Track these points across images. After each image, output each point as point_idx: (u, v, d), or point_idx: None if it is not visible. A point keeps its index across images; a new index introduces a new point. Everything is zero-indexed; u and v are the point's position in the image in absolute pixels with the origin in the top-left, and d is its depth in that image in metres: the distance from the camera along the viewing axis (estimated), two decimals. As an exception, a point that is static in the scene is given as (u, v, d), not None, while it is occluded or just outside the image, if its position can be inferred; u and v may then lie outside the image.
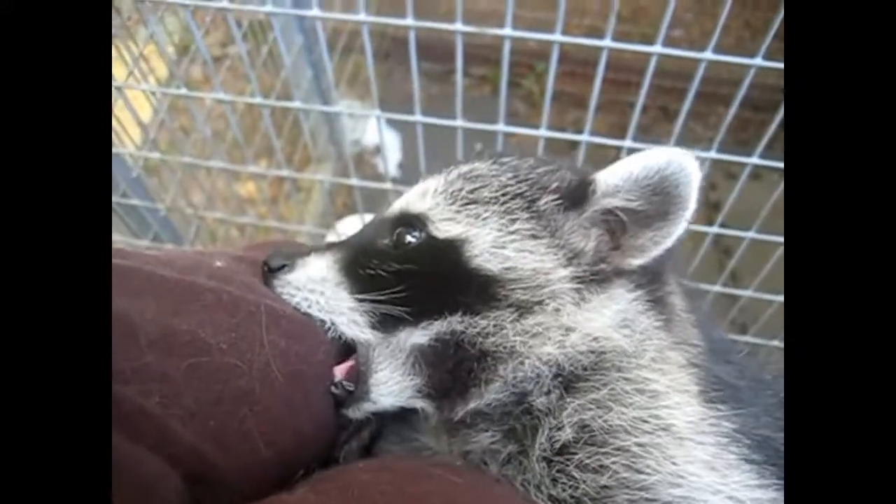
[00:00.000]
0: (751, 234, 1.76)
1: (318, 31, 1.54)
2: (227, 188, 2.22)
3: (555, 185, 0.88)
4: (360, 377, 0.83)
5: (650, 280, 0.86)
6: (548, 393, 0.79)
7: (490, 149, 1.70)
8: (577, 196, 0.85)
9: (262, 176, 2.42)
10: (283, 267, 0.88)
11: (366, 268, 0.85)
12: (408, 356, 0.83)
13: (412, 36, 1.43)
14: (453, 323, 0.81)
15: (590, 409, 0.77)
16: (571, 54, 3.50)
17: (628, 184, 0.82)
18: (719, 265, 1.97)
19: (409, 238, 0.87)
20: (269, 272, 0.87)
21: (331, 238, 0.84)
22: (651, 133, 2.97)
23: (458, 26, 1.35)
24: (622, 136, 1.59)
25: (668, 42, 1.34)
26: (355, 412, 0.85)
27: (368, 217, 0.94)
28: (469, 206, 0.87)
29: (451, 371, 0.82)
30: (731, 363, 0.88)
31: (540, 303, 0.81)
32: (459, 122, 1.61)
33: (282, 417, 0.75)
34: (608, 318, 0.82)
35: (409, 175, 2.12)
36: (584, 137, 1.61)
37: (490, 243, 0.84)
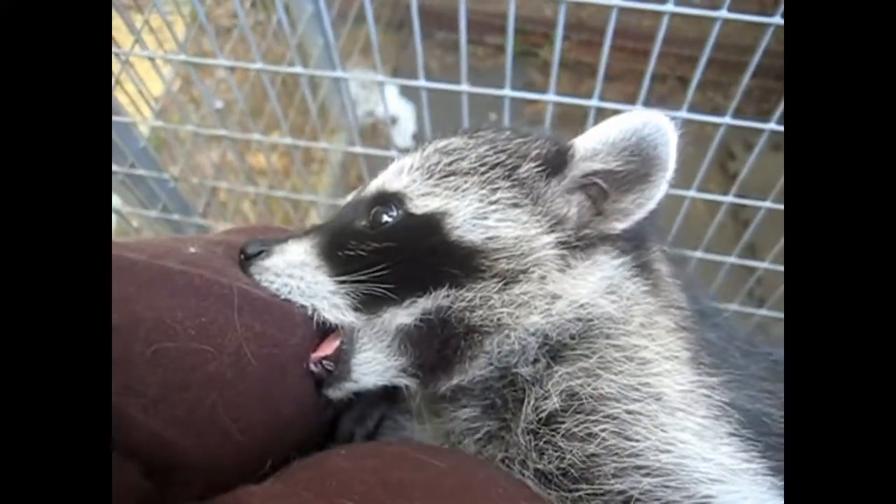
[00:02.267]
0: (767, 204, 1.73)
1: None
2: (238, 160, 2.21)
3: (534, 152, 0.87)
4: (341, 356, 0.82)
5: (635, 246, 0.86)
6: (534, 362, 0.79)
7: (504, 118, 1.68)
8: (557, 162, 0.85)
9: (273, 147, 2.40)
10: (260, 253, 0.86)
11: (344, 249, 0.84)
12: (393, 338, 0.82)
13: (414, 1, 1.40)
14: (439, 298, 0.80)
15: (578, 377, 0.76)
16: (588, 24, 3.44)
17: (606, 146, 0.82)
18: (738, 239, 1.93)
19: (385, 217, 0.85)
20: (246, 259, 0.85)
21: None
22: (669, 102, 2.92)
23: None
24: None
25: (685, 2, 1.30)
26: (336, 392, 0.83)
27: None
28: (447, 179, 0.86)
29: (438, 349, 0.81)
30: (720, 327, 0.87)
31: (525, 271, 0.81)
32: (465, 87, 1.58)
33: (256, 401, 0.73)
34: (594, 284, 0.82)
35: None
36: (594, 103, 1.58)
37: (471, 214, 0.83)
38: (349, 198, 0.97)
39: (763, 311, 2.13)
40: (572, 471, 0.72)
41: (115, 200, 2.06)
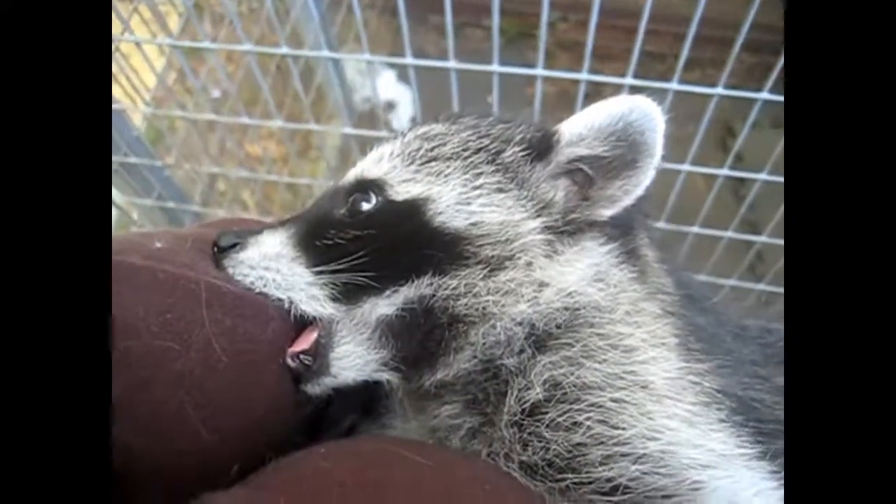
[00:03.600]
0: (762, 176, 1.71)
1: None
2: (236, 148, 2.19)
3: (519, 137, 0.86)
4: (319, 350, 0.79)
5: (622, 233, 0.84)
6: (519, 353, 0.77)
7: (504, 100, 1.66)
8: (542, 147, 0.83)
9: (271, 135, 2.38)
10: (234, 245, 0.82)
11: (322, 239, 0.81)
12: (374, 330, 0.80)
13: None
14: (421, 287, 0.78)
15: (561, 367, 0.74)
16: (585, 4, 3.41)
17: (592, 132, 0.80)
18: (741, 219, 1.93)
19: (364, 204, 0.82)
20: (220, 252, 0.81)
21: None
22: (667, 80, 2.89)
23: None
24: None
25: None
26: (314, 387, 0.80)
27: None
28: (429, 164, 0.84)
29: (421, 342, 0.79)
30: (709, 311, 0.86)
31: (511, 257, 0.79)
32: (452, 64, 1.56)
33: (228, 399, 0.70)
34: (581, 271, 0.80)
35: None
36: (583, 76, 1.57)
37: (454, 199, 0.81)
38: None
39: (761, 286, 2.13)
40: (557, 461, 0.70)
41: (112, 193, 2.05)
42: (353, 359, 0.80)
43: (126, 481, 0.62)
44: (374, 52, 1.62)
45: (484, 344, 0.77)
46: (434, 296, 0.78)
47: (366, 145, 1.97)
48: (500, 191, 0.82)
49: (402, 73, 3.60)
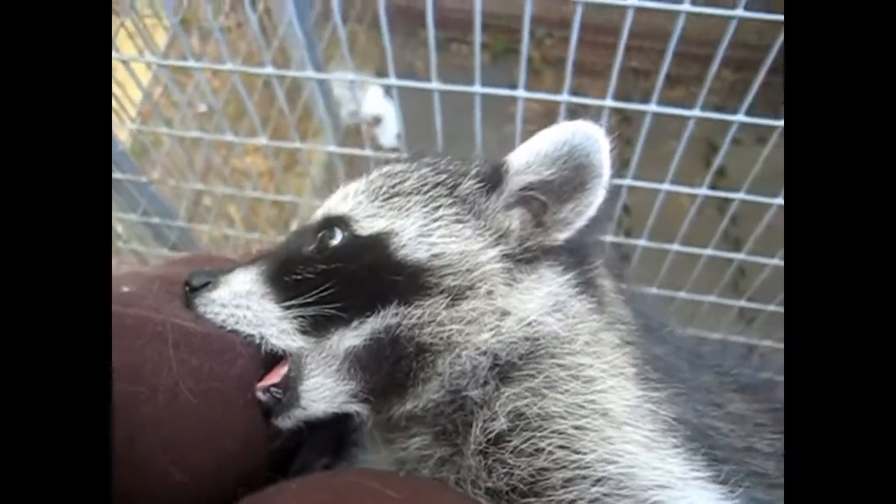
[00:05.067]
0: (740, 195, 1.73)
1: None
2: (221, 164, 2.19)
3: (474, 171, 0.89)
4: (289, 384, 0.80)
5: (578, 261, 0.86)
6: (484, 384, 0.78)
7: (488, 117, 1.67)
8: (494, 178, 0.87)
9: (257, 150, 2.38)
10: (206, 285, 0.84)
11: (291, 275, 0.83)
12: (342, 361, 0.81)
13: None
14: (387, 317, 0.79)
15: (524, 398, 0.76)
16: (571, 20, 3.43)
17: (539, 158, 0.83)
18: (725, 235, 1.94)
19: (331, 241, 0.85)
20: (192, 291, 0.84)
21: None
22: (659, 99, 2.91)
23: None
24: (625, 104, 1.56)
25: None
26: (285, 420, 0.81)
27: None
28: (391, 200, 0.88)
29: (389, 372, 0.80)
30: (667, 340, 0.88)
31: (472, 287, 0.81)
32: (435, 85, 1.61)
33: (198, 439, 0.72)
34: (540, 300, 0.82)
35: (408, 147, 2.10)
36: (564, 98, 1.59)
37: (415, 232, 0.84)
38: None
39: (742, 303, 2.15)
40: (521, 486, 0.72)
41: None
42: (323, 391, 0.81)
43: None
44: (362, 66, 1.64)
45: (451, 374, 0.79)
46: (399, 325, 0.79)
47: (352, 161, 1.98)
48: (459, 221, 0.85)
49: (389, 89, 3.61)
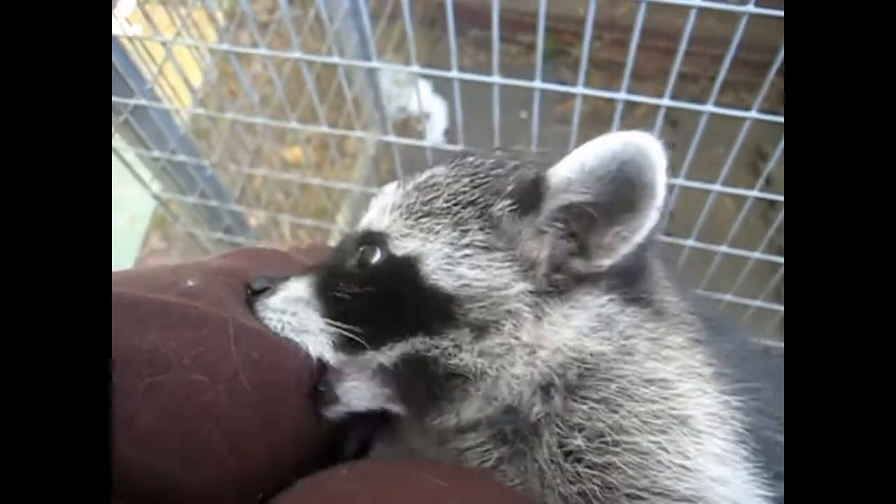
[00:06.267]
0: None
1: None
2: (272, 152, 2.25)
3: (510, 188, 0.81)
4: (329, 385, 0.84)
5: (626, 281, 0.80)
6: (544, 402, 0.77)
7: (534, 115, 1.69)
8: (531, 197, 0.79)
9: (308, 140, 2.44)
10: (265, 290, 0.87)
11: (334, 290, 0.84)
12: (375, 372, 0.83)
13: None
14: (416, 343, 0.79)
15: (596, 412, 0.74)
16: (620, 23, 3.42)
17: (582, 175, 0.74)
18: (770, 243, 1.92)
19: (370, 258, 0.84)
20: (253, 295, 0.87)
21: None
22: (701, 102, 2.89)
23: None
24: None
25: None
26: (329, 412, 0.85)
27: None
28: (423, 220, 0.83)
29: (422, 390, 0.81)
30: (732, 342, 0.84)
31: (496, 322, 0.77)
32: (496, 79, 1.59)
33: (255, 429, 0.75)
34: (576, 328, 0.77)
35: (455, 143, 2.13)
36: (622, 96, 1.57)
37: (443, 259, 0.80)
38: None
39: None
40: (590, 497, 0.71)
41: (155, 186, 2.13)
42: (359, 392, 0.85)
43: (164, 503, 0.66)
44: (410, 64, 1.66)
45: (493, 396, 0.78)
46: (427, 353, 0.79)
47: (401, 154, 2.01)
48: (488, 249, 0.79)
49: (437, 85, 3.65)
